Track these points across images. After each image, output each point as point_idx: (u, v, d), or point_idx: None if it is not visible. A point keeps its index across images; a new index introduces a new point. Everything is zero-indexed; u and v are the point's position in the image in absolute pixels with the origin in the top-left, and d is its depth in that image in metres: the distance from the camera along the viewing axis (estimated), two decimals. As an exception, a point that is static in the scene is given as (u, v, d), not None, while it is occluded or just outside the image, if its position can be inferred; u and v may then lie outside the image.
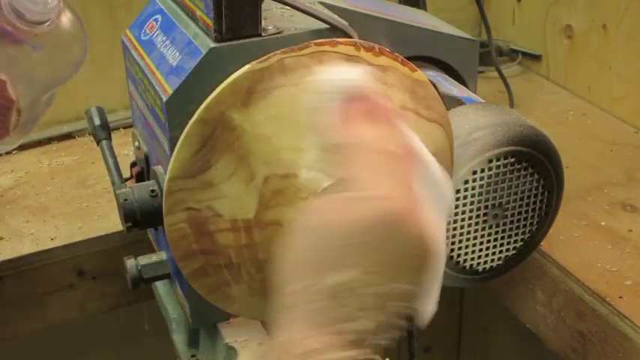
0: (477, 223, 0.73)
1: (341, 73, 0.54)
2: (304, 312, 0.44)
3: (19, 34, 0.64)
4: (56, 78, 0.71)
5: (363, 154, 0.48)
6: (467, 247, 0.74)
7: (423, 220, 0.46)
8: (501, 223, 0.74)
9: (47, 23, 0.64)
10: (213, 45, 0.62)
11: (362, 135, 0.49)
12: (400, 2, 1.03)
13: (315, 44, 0.57)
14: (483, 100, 0.80)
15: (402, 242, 0.45)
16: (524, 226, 0.75)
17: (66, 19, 0.67)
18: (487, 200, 0.72)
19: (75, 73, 0.71)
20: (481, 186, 0.71)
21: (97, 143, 0.80)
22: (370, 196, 0.46)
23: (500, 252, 0.76)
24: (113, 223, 0.91)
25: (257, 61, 0.56)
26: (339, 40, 0.58)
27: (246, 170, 0.56)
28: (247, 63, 0.56)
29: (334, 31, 0.65)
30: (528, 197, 0.74)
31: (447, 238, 0.72)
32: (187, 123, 0.56)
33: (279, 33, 0.64)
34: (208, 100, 0.55)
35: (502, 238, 0.75)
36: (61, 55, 0.69)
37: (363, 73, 0.55)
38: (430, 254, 0.47)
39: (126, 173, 0.77)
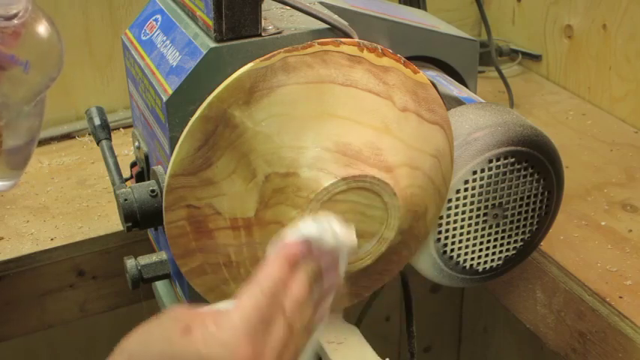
0: (477, 223, 0.73)
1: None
2: None
3: None
4: (35, 89, 0.67)
5: (255, 300, 0.49)
6: (467, 247, 0.74)
7: None
8: (501, 223, 0.74)
9: (18, 17, 0.61)
10: (213, 45, 0.62)
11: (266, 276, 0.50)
12: (400, 2, 1.03)
13: (319, 44, 0.57)
14: (483, 100, 0.80)
15: None
16: (524, 226, 0.75)
17: (42, 26, 0.65)
18: (487, 200, 0.72)
19: (54, 80, 0.68)
20: (481, 186, 0.71)
21: (97, 143, 0.80)
22: (224, 342, 0.46)
23: (500, 252, 0.76)
24: (113, 223, 0.91)
25: (260, 59, 0.56)
26: (343, 40, 0.58)
27: (247, 168, 0.56)
28: (247, 63, 0.56)
29: (334, 31, 0.65)
30: (528, 197, 0.74)
31: (448, 237, 0.72)
32: (187, 123, 0.57)
33: (279, 33, 0.64)
34: (211, 97, 0.55)
35: (502, 238, 0.75)
36: (41, 65, 0.67)
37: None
38: None
39: (126, 173, 0.77)
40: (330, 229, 0.52)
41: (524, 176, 0.73)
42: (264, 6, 0.64)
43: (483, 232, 0.74)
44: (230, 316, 0.48)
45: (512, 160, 0.71)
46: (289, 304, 0.50)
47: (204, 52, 0.62)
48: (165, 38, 0.69)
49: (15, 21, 0.60)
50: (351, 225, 0.54)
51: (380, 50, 0.59)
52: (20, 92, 0.63)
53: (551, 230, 0.78)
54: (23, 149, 0.69)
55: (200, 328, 0.47)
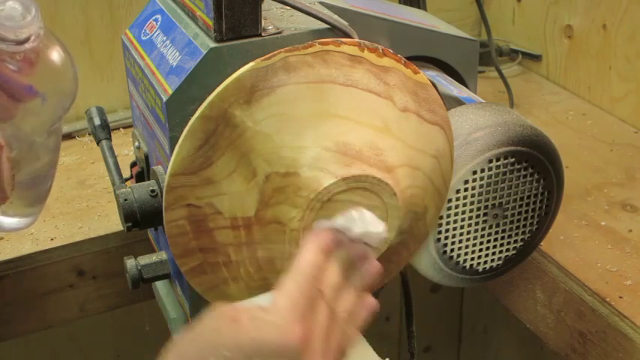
0: (477, 223, 0.73)
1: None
2: None
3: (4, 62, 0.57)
4: (48, 121, 0.64)
5: (297, 283, 0.50)
6: (467, 247, 0.74)
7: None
8: (501, 223, 0.74)
9: (30, 41, 0.58)
10: (213, 45, 0.62)
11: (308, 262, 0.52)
12: (400, 2, 1.03)
13: (320, 43, 0.57)
14: (483, 100, 0.80)
15: None
16: (524, 226, 0.75)
17: (55, 52, 0.63)
18: (487, 200, 0.72)
19: (67, 110, 0.65)
20: (481, 186, 0.71)
21: (97, 143, 0.80)
22: (275, 323, 0.48)
23: (500, 252, 0.76)
24: (113, 223, 0.91)
25: (261, 58, 0.56)
26: (344, 40, 0.58)
27: (248, 168, 0.56)
28: (247, 63, 0.56)
29: (334, 31, 0.65)
30: (528, 197, 0.74)
31: (448, 237, 0.72)
32: (187, 122, 0.57)
33: (279, 33, 0.64)
34: (212, 96, 0.55)
35: (502, 238, 0.75)
36: (56, 95, 0.64)
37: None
38: None
39: (126, 173, 0.77)
40: (358, 219, 0.55)
41: (524, 176, 0.73)
42: (264, 6, 0.64)
43: (483, 232, 0.74)
44: (276, 301, 0.49)
45: (512, 160, 0.71)
46: (327, 290, 0.52)
47: (204, 52, 0.62)
48: (165, 38, 0.69)
49: (26, 45, 0.57)
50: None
51: (380, 50, 0.59)
52: (32, 123, 0.61)
53: (551, 230, 0.78)
54: (38, 184, 0.66)
55: (247, 316, 0.48)
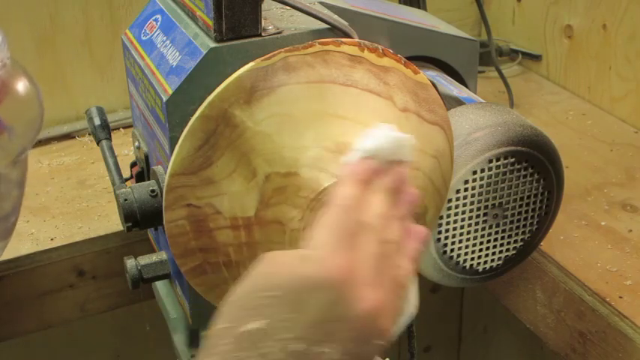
0: (477, 223, 0.73)
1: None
2: (219, 354, 0.45)
3: None
4: (12, 154, 0.60)
5: (335, 215, 0.49)
6: (467, 247, 0.74)
7: (364, 297, 0.46)
8: (501, 223, 0.74)
9: None
10: (213, 45, 0.62)
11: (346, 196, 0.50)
12: (400, 2, 1.03)
13: (320, 43, 0.57)
14: (483, 100, 0.80)
15: (335, 311, 0.46)
16: (524, 226, 0.75)
17: (21, 83, 0.60)
18: (487, 200, 0.72)
19: (32, 143, 0.60)
20: (481, 186, 0.71)
21: (97, 143, 0.80)
22: (315, 258, 0.47)
23: (500, 252, 0.76)
24: (113, 223, 0.91)
25: (261, 58, 0.56)
26: (344, 40, 0.58)
27: (248, 168, 0.56)
28: (247, 63, 0.56)
29: (334, 31, 0.65)
30: (528, 197, 0.74)
31: (448, 237, 0.72)
32: (187, 122, 0.57)
33: (279, 33, 0.64)
34: (211, 96, 0.55)
35: (502, 238, 0.75)
36: (22, 128, 0.60)
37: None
38: (371, 330, 0.47)
39: (126, 173, 0.77)
40: (385, 137, 0.53)
41: (524, 176, 0.73)
42: (264, 6, 0.64)
43: (483, 232, 0.74)
44: (315, 236, 0.48)
45: (512, 160, 0.71)
46: (375, 220, 0.50)
47: (204, 52, 0.62)
48: (165, 38, 0.69)
49: None
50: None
51: (380, 50, 0.59)
52: None
53: (551, 230, 0.78)
54: (3, 220, 0.63)
55: (291, 256, 0.47)
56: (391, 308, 0.49)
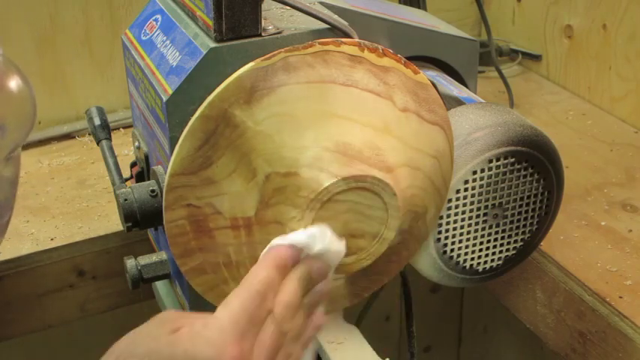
0: (477, 223, 0.73)
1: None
2: None
3: None
4: (5, 148, 0.60)
5: (242, 299, 0.49)
6: (467, 247, 0.74)
7: None
8: (501, 223, 0.74)
9: None
10: (213, 45, 0.62)
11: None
12: (400, 2, 1.03)
13: (320, 43, 0.57)
14: (483, 100, 0.80)
15: None
16: (524, 226, 0.75)
17: (13, 81, 0.60)
18: (487, 200, 0.72)
19: (24, 141, 0.60)
20: (481, 186, 0.71)
21: (97, 143, 0.80)
22: (212, 342, 0.47)
23: (500, 252, 0.76)
24: (113, 223, 0.91)
25: (261, 58, 0.56)
26: (344, 40, 0.58)
27: (248, 168, 0.56)
28: (247, 63, 0.56)
29: (334, 31, 0.65)
30: (528, 197, 0.74)
31: (448, 237, 0.72)
32: (187, 122, 0.57)
33: (279, 33, 0.64)
34: (212, 96, 0.55)
35: (502, 238, 0.75)
36: (14, 126, 0.59)
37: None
38: None
39: (126, 173, 0.77)
40: (319, 237, 0.53)
41: (524, 176, 0.73)
42: (264, 6, 0.64)
43: (483, 232, 0.74)
44: (218, 316, 0.48)
45: (512, 160, 0.71)
46: (279, 308, 0.50)
47: (204, 52, 0.62)
48: (165, 38, 0.69)
49: None
50: (341, 236, 0.55)
51: (380, 50, 0.59)
52: None
53: (551, 230, 0.78)
54: None
55: (188, 327, 0.47)
56: None
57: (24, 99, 0.59)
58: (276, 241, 0.53)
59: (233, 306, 0.48)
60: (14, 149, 0.59)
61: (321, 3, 0.73)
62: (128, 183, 0.75)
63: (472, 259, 0.75)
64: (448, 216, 0.71)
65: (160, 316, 0.48)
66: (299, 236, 0.53)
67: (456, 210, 0.71)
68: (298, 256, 0.52)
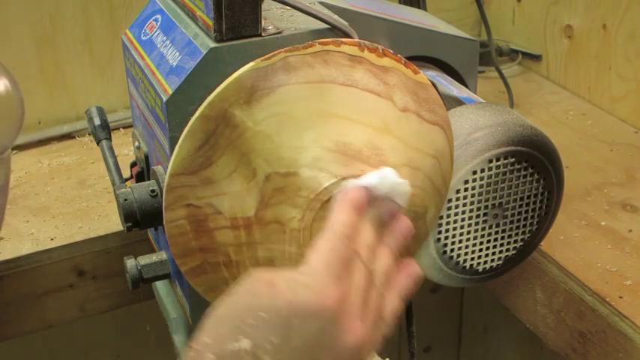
0: (477, 223, 0.73)
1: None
2: None
3: None
4: None
5: (331, 243, 0.49)
6: (467, 247, 0.74)
7: (353, 330, 0.47)
8: (501, 223, 0.74)
9: None
10: (213, 45, 0.62)
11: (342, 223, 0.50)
12: (400, 2, 1.03)
13: (320, 43, 0.57)
14: (483, 100, 0.80)
15: (323, 341, 0.46)
16: (524, 226, 0.75)
17: (1, 83, 0.59)
18: (487, 200, 0.72)
19: (14, 140, 0.59)
20: (481, 186, 0.71)
21: (97, 143, 0.80)
22: (308, 286, 0.47)
23: (500, 252, 0.76)
24: (113, 223, 0.91)
25: (261, 58, 0.56)
26: (344, 40, 0.58)
27: (248, 168, 0.56)
28: (247, 63, 0.56)
29: (334, 31, 0.65)
30: (528, 197, 0.74)
31: (448, 237, 0.72)
32: (187, 122, 0.57)
33: (279, 33, 0.64)
34: (211, 96, 0.55)
35: (502, 238, 0.75)
36: (2, 124, 0.59)
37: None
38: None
39: (126, 173, 0.77)
40: (385, 178, 0.54)
41: (524, 176, 0.73)
42: (264, 6, 0.64)
43: (483, 232, 0.74)
44: (311, 263, 0.48)
45: (512, 160, 0.71)
46: (362, 249, 0.50)
47: (204, 52, 0.62)
48: (165, 38, 0.69)
49: None
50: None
51: (381, 50, 0.59)
52: None
53: (551, 230, 0.78)
54: None
55: (283, 279, 0.47)
56: (373, 341, 0.49)
57: (12, 101, 0.58)
58: (351, 182, 0.54)
59: (324, 250, 0.48)
60: (2, 151, 0.58)
61: (321, 3, 0.73)
62: (128, 183, 0.75)
63: (472, 259, 0.75)
64: (448, 216, 0.71)
65: (251, 277, 0.48)
66: (372, 178, 0.54)
67: (456, 210, 0.71)
68: (370, 196, 0.53)
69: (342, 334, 0.47)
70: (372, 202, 0.53)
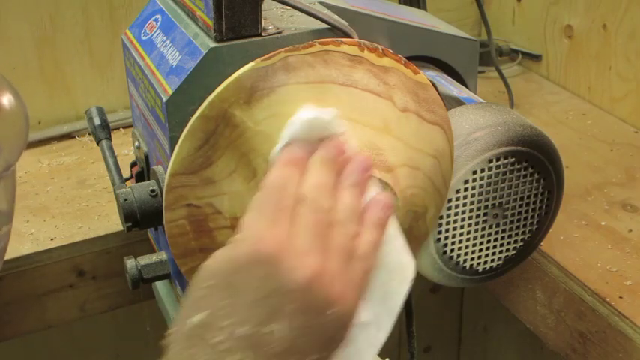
0: (477, 223, 0.73)
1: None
2: (174, 355, 0.45)
3: None
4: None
5: (260, 196, 0.50)
6: (467, 247, 0.74)
7: (299, 266, 0.46)
8: (501, 223, 0.74)
9: None
10: (213, 45, 0.62)
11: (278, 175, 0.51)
12: (400, 2, 1.03)
13: (320, 43, 0.57)
14: (483, 100, 0.80)
15: (270, 285, 0.46)
16: (524, 226, 0.75)
17: (6, 97, 0.57)
18: (487, 200, 0.72)
19: (19, 156, 0.58)
20: (481, 186, 0.71)
21: (97, 143, 0.80)
22: (243, 238, 0.47)
23: (500, 252, 0.76)
24: (113, 223, 0.91)
25: (261, 58, 0.56)
26: (343, 39, 0.58)
27: (248, 168, 0.56)
28: (247, 63, 0.56)
29: (334, 31, 0.65)
30: (528, 197, 0.74)
31: (448, 237, 0.72)
32: (187, 122, 0.57)
33: (279, 33, 0.64)
34: (211, 96, 0.55)
35: (502, 238, 0.75)
36: (7, 145, 0.57)
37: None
38: (317, 299, 0.46)
39: (126, 173, 0.77)
40: (300, 120, 0.53)
41: (524, 176, 0.73)
42: (264, 6, 0.64)
43: (483, 232, 0.74)
44: (243, 220, 0.48)
45: (512, 160, 0.71)
46: (310, 191, 0.49)
47: (204, 52, 0.62)
48: (165, 38, 0.69)
49: None
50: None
51: (381, 50, 0.59)
52: None
53: (551, 230, 0.78)
54: None
55: (221, 248, 0.48)
56: (338, 273, 0.48)
57: (17, 117, 0.58)
58: (275, 149, 0.53)
59: (253, 205, 0.49)
60: (7, 169, 0.57)
61: (321, 3, 0.73)
62: (128, 183, 0.75)
63: (472, 259, 0.75)
64: (448, 216, 0.71)
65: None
66: (287, 130, 0.53)
67: (456, 210, 0.71)
68: (301, 148, 0.52)
69: (290, 273, 0.46)
70: (308, 148, 0.52)
